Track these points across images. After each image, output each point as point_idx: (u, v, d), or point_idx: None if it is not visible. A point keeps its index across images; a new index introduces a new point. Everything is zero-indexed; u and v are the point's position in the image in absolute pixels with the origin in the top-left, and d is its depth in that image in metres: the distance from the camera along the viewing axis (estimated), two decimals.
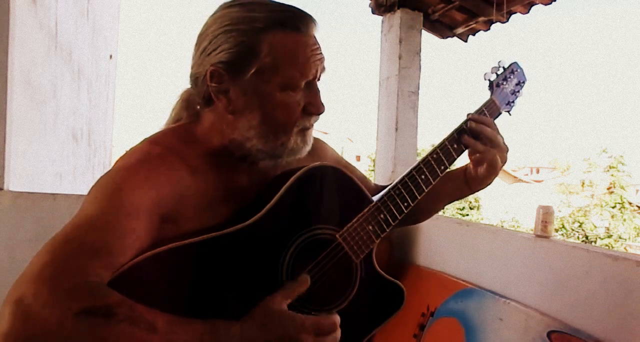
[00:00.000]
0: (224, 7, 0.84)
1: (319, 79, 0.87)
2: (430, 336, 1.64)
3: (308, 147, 0.89)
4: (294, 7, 0.84)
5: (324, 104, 0.87)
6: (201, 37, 0.84)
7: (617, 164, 13.98)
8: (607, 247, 7.66)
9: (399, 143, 2.78)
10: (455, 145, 1.02)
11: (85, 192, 0.79)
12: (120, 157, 0.84)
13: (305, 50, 0.82)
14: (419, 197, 0.97)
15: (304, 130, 0.87)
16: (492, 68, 1.12)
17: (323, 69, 0.86)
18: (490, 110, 1.09)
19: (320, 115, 0.88)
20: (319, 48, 0.84)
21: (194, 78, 0.86)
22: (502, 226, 11.15)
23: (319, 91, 0.86)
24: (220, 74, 0.81)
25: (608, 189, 13.95)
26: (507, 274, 1.44)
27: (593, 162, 14.59)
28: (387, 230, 0.93)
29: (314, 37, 0.84)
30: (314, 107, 0.85)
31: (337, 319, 0.79)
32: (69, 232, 0.69)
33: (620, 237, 12.91)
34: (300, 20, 0.82)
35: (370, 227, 0.91)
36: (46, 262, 0.63)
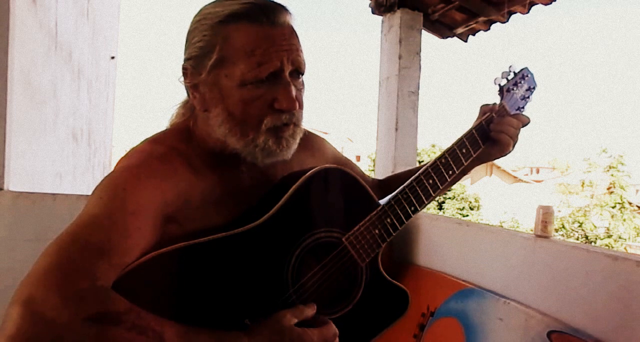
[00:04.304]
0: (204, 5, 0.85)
1: (299, 74, 0.82)
2: (430, 336, 1.64)
3: (287, 152, 0.84)
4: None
5: (296, 99, 0.80)
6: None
7: (617, 164, 13.95)
8: (607, 247, 7.65)
9: (399, 143, 2.78)
10: (463, 150, 1.01)
11: (85, 192, 0.79)
12: (123, 157, 0.84)
13: (264, 41, 0.77)
14: (427, 202, 0.96)
15: (277, 131, 0.81)
16: (503, 73, 1.10)
17: (297, 62, 0.80)
18: (500, 115, 1.08)
19: (296, 113, 0.82)
20: (286, 38, 0.79)
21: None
22: (502, 226, 11.15)
23: (289, 85, 0.79)
24: (190, 70, 0.82)
25: (608, 189, 13.93)
26: (507, 274, 1.44)
27: (593, 162, 14.56)
28: (394, 234, 0.92)
29: (283, 27, 0.79)
30: (281, 103, 0.79)
31: (336, 329, 0.80)
32: (74, 232, 0.68)
33: (620, 237, 12.89)
34: (261, 11, 0.78)
35: (377, 231, 0.90)
36: (53, 263, 0.63)
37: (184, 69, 0.83)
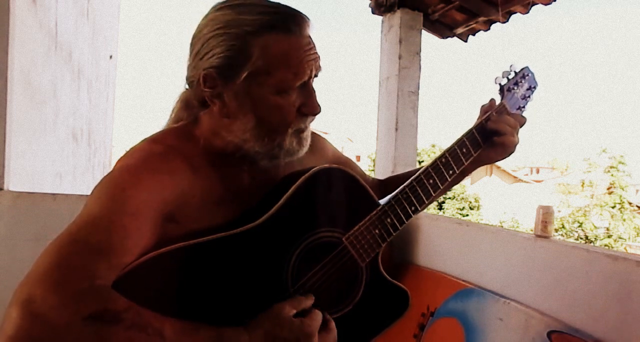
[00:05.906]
0: (215, 9, 0.83)
1: (314, 78, 0.86)
2: (430, 336, 1.64)
3: (304, 150, 0.88)
4: (285, 7, 0.82)
5: (319, 104, 0.85)
6: (194, 39, 0.84)
7: (617, 164, 13.97)
8: (607, 247, 7.65)
9: (399, 143, 2.78)
10: (464, 150, 1.01)
11: (85, 192, 0.79)
12: (122, 157, 0.84)
13: (298, 52, 0.80)
14: (427, 202, 0.96)
15: (300, 132, 0.86)
16: (503, 72, 1.10)
17: (318, 68, 0.84)
18: (499, 113, 1.07)
19: (317, 116, 0.87)
20: (312, 47, 0.82)
21: (190, 81, 0.86)
22: (502, 226, 11.15)
23: (314, 91, 0.85)
24: (212, 78, 0.81)
25: (608, 189, 13.95)
26: (507, 274, 1.44)
27: (593, 162, 14.58)
28: (394, 234, 0.93)
29: (307, 36, 0.83)
30: (308, 108, 0.84)
31: (321, 315, 0.81)
32: (73, 232, 0.69)
33: (620, 237, 12.90)
34: (292, 21, 0.80)
35: (377, 231, 0.90)
36: (53, 263, 0.63)
37: (205, 76, 0.81)
